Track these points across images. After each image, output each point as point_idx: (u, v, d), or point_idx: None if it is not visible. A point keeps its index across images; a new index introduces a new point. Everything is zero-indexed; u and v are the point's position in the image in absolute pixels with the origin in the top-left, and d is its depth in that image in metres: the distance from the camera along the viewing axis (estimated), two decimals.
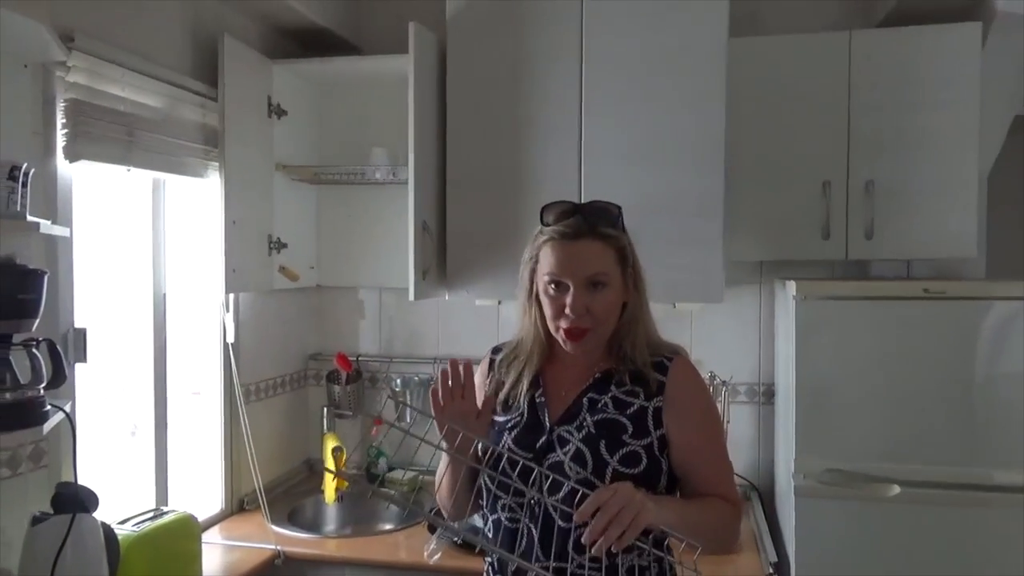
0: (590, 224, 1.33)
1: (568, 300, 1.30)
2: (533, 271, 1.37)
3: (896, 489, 1.93)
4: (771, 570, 1.94)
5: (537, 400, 1.39)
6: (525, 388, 1.40)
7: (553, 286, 1.33)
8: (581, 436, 1.32)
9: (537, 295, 1.38)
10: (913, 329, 1.93)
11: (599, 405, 1.35)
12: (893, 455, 1.94)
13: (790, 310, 2.02)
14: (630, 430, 1.32)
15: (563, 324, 1.32)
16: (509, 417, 1.40)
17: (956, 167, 2.10)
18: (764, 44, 2.22)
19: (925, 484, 1.91)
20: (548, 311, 1.35)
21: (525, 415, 1.39)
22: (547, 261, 1.33)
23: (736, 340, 2.56)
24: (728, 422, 2.44)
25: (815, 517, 1.98)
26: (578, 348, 1.34)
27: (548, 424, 1.36)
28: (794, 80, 2.18)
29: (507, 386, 1.42)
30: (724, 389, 2.43)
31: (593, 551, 1.13)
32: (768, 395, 2.54)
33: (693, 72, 2.10)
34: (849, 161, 2.15)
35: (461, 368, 1.34)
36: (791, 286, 2.01)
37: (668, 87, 2.12)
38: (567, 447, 1.32)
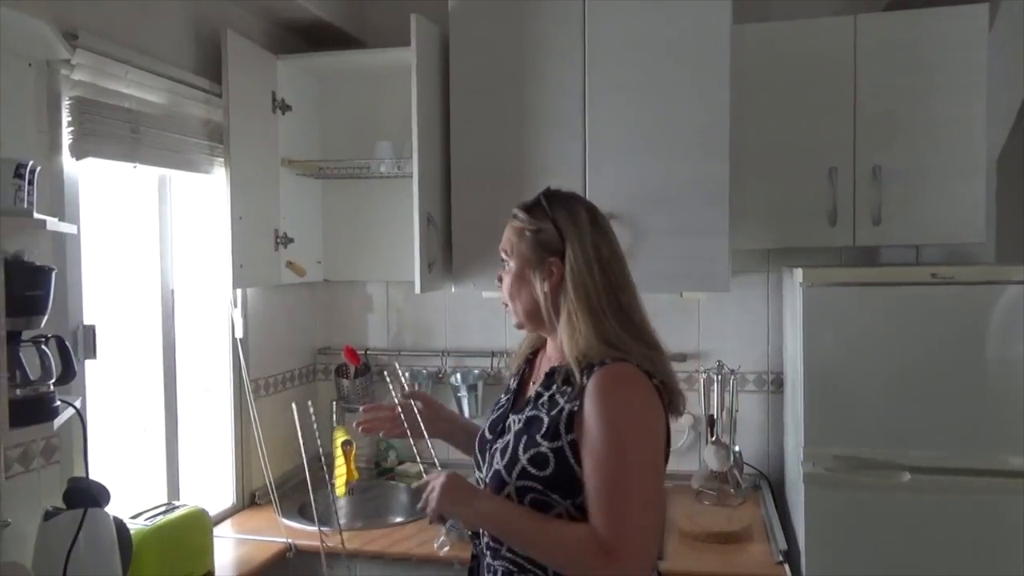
0: (520, 205, 1.42)
1: None
2: None
3: (906, 476, 1.92)
4: (781, 558, 1.93)
5: (512, 387, 1.49)
6: (512, 374, 1.53)
7: None
8: (516, 429, 1.36)
9: None
10: (922, 315, 1.92)
11: (539, 401, 1.35)
12: (903, 441, 1.93)
13: (797, 297, 2.01)
14: (544, 429, 1.30)
15: None
16: (500, 401, 1.51)
17: (964, 151, 2.08)
18: (768, 30, 2.21)
19: (935, 470, 1.90)
20: None
21: (506, 401, 1.48)
22: None
23: (744, 329, 2.56)
24: (736, 411, 2.44)
25: (825, 505, 1.97)
26: (516, 323, 1.45)
27: (508, 412, 1.43)
28: (799, 66, 2.16)
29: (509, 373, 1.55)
30: (733, 378, 2.42)
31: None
32: (777, 384, 2.53)
33: (697, 59, 2.09)
34: (856, 146, 2.13)
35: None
36: (798, 273, 2.00)
37: (671, 75, 2.11)
38: (506, 436, 1.37)
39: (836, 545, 1.97)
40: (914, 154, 2.11)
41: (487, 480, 1.37)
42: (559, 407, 1.30)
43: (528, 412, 1.35)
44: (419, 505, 1.38)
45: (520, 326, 1.45)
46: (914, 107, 2.11)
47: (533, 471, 1.28)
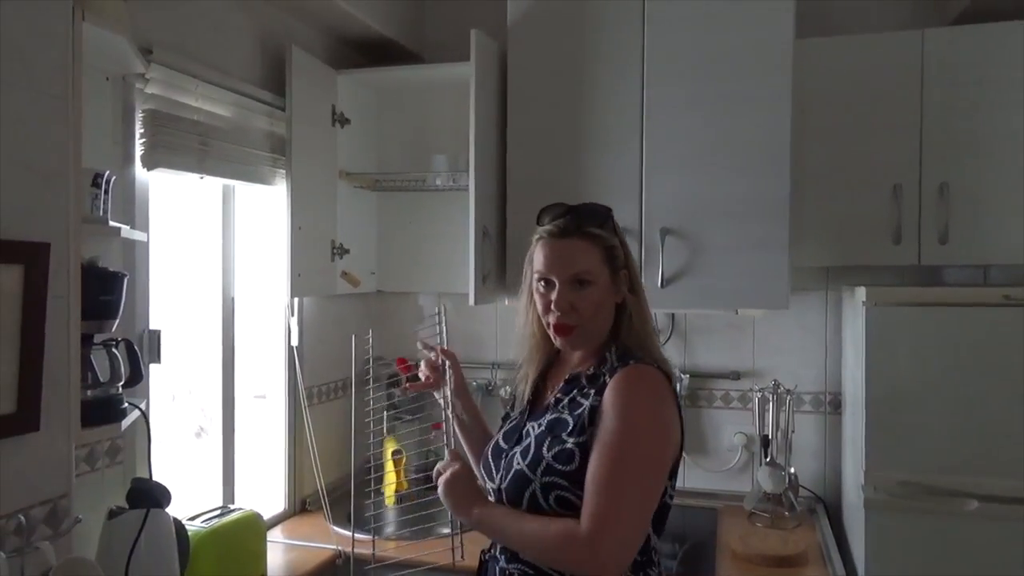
0: (577, 223, 1.36)
1: (554, 297, 1.34)
2: (530, 272, 1.42)
3: (973, 504, 1.85)
4: None
5: (528, 399, 1.47)
6: (528, 390, 1.47)
7: (542, 283, 1.37)
8: (536, 433, 1.36)
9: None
10: (992, 337, 1.85)
11: (559, 405, 1.37)
12: (970, 468, 1.86)
13: (859, 317, 1.96)
14: (569, 428, 1.32)
15: (551, 320, 1.36)
16: (513, 415, 1.49)
17: None
18: (832, 44, 2.17)
19: (1004, 499, 1.83)
20: (539, 307, 1.39)
21: (523, 413, 1.46)
22: (537, 259, 1.38)
23: (801, 348, 2.50)
24: (793, 431, 2.38)
25: (886, 532, 1.91)
26: (567, 344, 1.38)
27: (525, 421, 1.42)
28: (864, 81, 2.12)
29: (518, 388, 1.51)
30: (789, 398, 2.37)
31: None
32: (834, 404, 2.47)
33: (758, 74, 2.07)
34: (922, 163, 2.08)
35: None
36: (860, 292, 1.95)
37: (732, 90, 2.09)
38: (525, 441, 1.37)
39: (897, 572, 1.90)
40: (983, 171, 2.04)
41: (502, 487, 1.36)
42: (584, 406, 1.32)
43: (549, 416, 1.37)
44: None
45: (574, 348, 1.40)
46: (983, 123, 2.05)
47: (558, 467, 1.29)
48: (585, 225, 1.36)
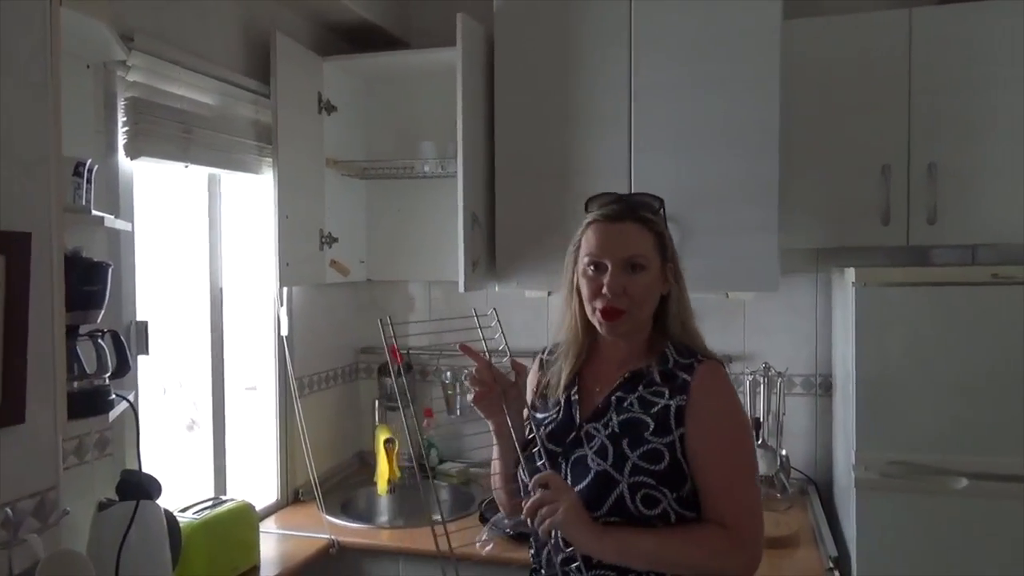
0: (631, 208, 1.37)
1: (606, 279, 1.32)
2: (575, 260, 1.39)
3: (963, 482, 1.86)
4: (831, 565, 1.89)
5: (572, 398, 1.41)
6: (563, 385, 1.42)
7: (592, 267, 1.35)
8: (607, 433, 1.33)
9: (578, 286, 1.38)
10: (981, 316, 1.86)
11: (625, 404, 1.35)
12: (959, 447, 1.87)
13: (849, 298, 1.96)
14: (652, 428, 1.30)
15: (599, 304, 1.33)
16: (548, 414, 1.43)
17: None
18: (820, 25, 2.16)
19: (994, 477, 1.84)
20: (586, 292, 1.36)
21: (561, 412, 1.41)
22: (588, 243, 1.36)
23: (791, 330, 2.51)
24: (783, 414, 2.39)
25: (877, 511, 1.92)
26: (614, 330, 1.35)
27: (578, 421, 1.38)
28: (851, 61, 2.12)
29: (550, 383, 1.45)
30: (779, 380, 2.38)
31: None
32: (825, 386, 2.48)
33: (746, 55, 2.06)
34: (910, 143, 2.08)
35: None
36: (850, 273, 1.95)
37: (720, 71, 2.08)
38: (593, 442, 1.33)
39: (888, 552, 1.91)
40: (971, 151, 2.04)
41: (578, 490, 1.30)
42: (660, 404, 1.31)
43: (618, 416, 1.33)
44: (526, 511, 1.27)
45: (618, 334, 1.35)
46: (971, 103, 2.05)
47: (647, 466, 1.28)
48: (639, 211, 1.36)
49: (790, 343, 2.50)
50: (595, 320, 1.35)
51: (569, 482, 1.32)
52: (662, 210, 1.41)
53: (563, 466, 1.34)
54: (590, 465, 1.31)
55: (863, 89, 2.11)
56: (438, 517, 1.67)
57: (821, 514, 2.24)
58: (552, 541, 1.34)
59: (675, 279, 1.37)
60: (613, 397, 1.36)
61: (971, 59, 2.04)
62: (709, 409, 1.30)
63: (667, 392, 1.32)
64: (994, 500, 1.84)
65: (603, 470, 1.30)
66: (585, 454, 1.33)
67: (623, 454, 1.30)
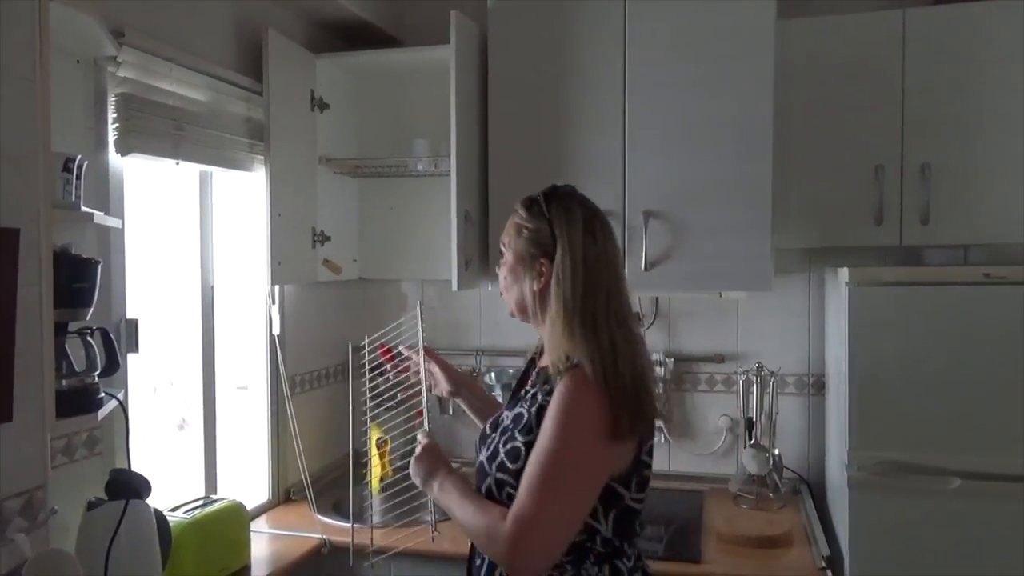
0: (523, 201, 1.43)
1: None
2: None
3: (956, 481, 1.86)
4: (823, 564, 1.89)
5: (515, 386, 1.52)
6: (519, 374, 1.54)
7: None
8: (504, 424, 1.39)
9: None
10: (973, 316, 1.86)
11: (527, 396, 1.39)
12: (952, 446, 1.87)
13: (842, 297, 1.97)
14: (521, 425, 1.34)
15: None
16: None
17: (1017, 148, 2.01)
18: (813, 25, 2.16)
19: (986, 476, 1.84)
20: None
21: (508, 398, 1.52)
22: None
23: (784, 330, 2.51)
24: (777, 413, 2.39)
25: (870, 510, 1.92)
26: (510, 314, 1.46)
27: (505, 408, 1.47)
28: (845, 61, 2.12)
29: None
30: (772, 380, 2.38)
31: None
32: (818, 386, 2.48)
33: (740, 55, 2.06)
34: (903, 144, 2.08)
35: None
36: (843, 273, 1.96)
37: (714, 71, 2.08)
38: (494, 432, 1.41)
39: (881, 551, 1.91)
40: (965, 151, 2.05)
41: (476, 471, 1.41)
42: (538, 404, 1.33)
43: (517, 408, 1.38)
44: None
45: (514, 315, 1.47)
46: (965, 103, 2.05)
47: (508, 464, 1.32)
48: (518, 205, 1.43)
49: (783, 343, 2.50)
50: None
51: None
52: (540, 203, 1.38)
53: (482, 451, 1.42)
54: (479, 455, 1.41)
55: (857, 89, 2.11)
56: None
57: (814, 513, 2.24)
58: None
59: (558, 278, 1.32)
60: (523, 390, 1.43)
61: (965, 59, 2.05)
62: (549, 414, 1.28)
63: (546, 392, 1.33)
64: (987, 499, 1.84)
65: (481, 461, 1.39)
66: (489, 441, 1.40)
67: (496, 449, 1.35)
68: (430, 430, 1.57)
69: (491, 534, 1.26)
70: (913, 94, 2.08)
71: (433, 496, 1.43)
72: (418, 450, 1.47)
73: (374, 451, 2.45)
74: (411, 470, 1.46)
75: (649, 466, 1.36)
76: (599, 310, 1.30)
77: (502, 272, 1.45)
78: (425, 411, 1.67)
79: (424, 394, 1.69)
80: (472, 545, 1.46)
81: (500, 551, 1.25)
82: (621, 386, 1.26)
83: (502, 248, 1.44)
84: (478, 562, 1.42)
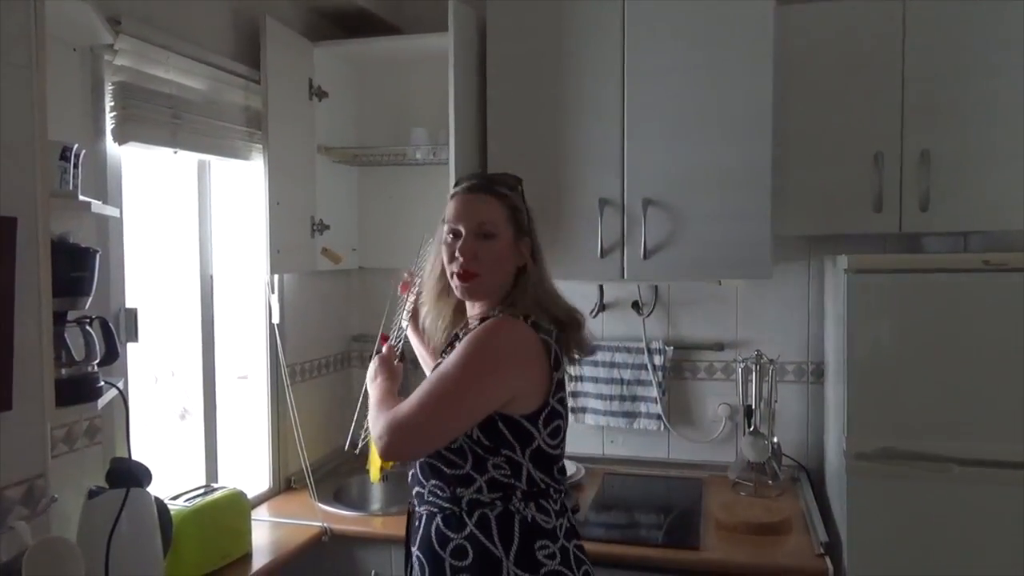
0: (488, 183, 1.53)
1: (459, 245, 1.47)
2: (441, 231, 1.53)
3: (954, 468, 1.86)
4: (822, 551, 1.90)
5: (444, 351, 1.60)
6: (443, 340, 1.62)
7: (451, 235, 1.50)
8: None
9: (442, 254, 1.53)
10: (972, 302, 1.86)
11: (445, 356, 1.50)
12: (951, 433, 1.87)
13: (841, 285, 1.96)
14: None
15: (455, 268, 1.48)
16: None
17: (1017, 135, 2.01)
18: (814, 11, 2.15)
19: (985, 463, 1.84)
20: (445, 257, 1.51)
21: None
22: (448, 212, 1.51)
23: (783, 317, 2.51)
24: (776, 401, 2.39)
25: (868, 497, 1.93)
26: (467, 292, 1.50)
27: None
28: (845, 48, 2.11)
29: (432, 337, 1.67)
30: (771, 368, 2.38)
31: None
32: (817, 374, 2.48)
33: (739, 41, 2.05)
34: (903, 131, 2.07)
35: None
36: (842, 260, 1.95)
37: (712, 58, 2.07)
38: None
39: (879, 538, 1.92)
40: (965, 138, 2.04)
41: None
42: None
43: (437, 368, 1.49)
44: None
45: (474, 297, 1.51)
46: (964, 89, 2.04)
47: None
48: (495, 185, 1.51)
49: (782, 330, 2.50)
50: (453, 284, 1.50)
51: None
52: (520, 188, 1.54)
53: None
54: None
55: (856, 76, 2.10)
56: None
57: (812, 501, 2.25)
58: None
59: (532, 255, 1.51)
60: (443, 355, 1.52)
61: (964, 46, 2.03)
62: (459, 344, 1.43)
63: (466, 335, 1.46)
64: (985, 486, 1.85)
65: None
66: None
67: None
68: (397, 345, 1.74)
69: (375, 423, 1.44)
70: (913, 81, 2.07)
71: (371, 395, 1.57)
72: (374, 360, 1.65)
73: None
74: (367, 379, 1.62)
75: (563, 416, 1.48)
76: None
77: (492, 250, 1.47)
78: (401, 324, 1.77)
79: (405, 311, 1.77)
80: (410, 503, 1.57)
81: (374, 435, 1.44)
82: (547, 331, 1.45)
83: (489, 230, 1.48)
84: (416, 524, 1.53)
